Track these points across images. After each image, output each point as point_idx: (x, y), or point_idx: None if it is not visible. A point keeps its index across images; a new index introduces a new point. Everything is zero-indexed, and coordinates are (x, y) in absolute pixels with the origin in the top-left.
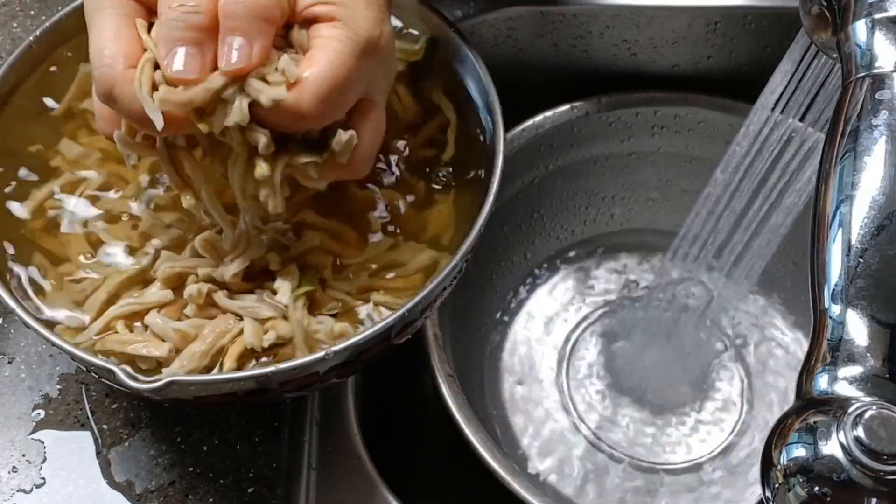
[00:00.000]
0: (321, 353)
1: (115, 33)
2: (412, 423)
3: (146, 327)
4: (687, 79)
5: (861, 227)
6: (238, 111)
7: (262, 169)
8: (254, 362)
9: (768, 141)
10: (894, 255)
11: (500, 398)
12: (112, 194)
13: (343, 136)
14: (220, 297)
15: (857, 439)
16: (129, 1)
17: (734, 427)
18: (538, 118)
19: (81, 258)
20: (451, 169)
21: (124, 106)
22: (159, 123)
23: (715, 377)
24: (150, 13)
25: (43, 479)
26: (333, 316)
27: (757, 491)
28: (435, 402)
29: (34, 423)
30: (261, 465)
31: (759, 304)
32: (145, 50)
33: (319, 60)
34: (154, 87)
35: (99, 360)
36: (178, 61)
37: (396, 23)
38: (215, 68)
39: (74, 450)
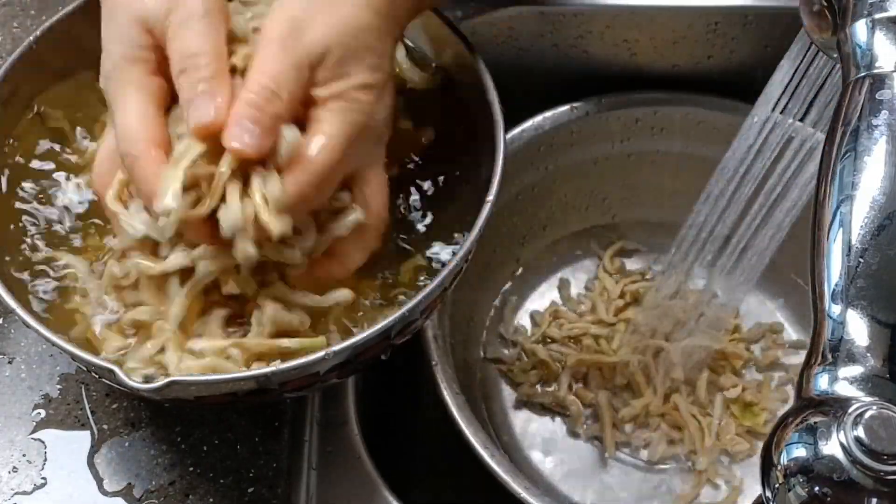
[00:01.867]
0: (321, 353)
1: (141, 115)
2: (412, 423)
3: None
4: (687, 79)
5: (861, 227)
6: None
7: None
8: None
9: (768, 141)
10: (895, 255)
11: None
12: None
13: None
14: None
15: (858, 439)
16: (151, 78)
17: None
18: (538, 118)
19: None
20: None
21: (142, 189)
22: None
23: None
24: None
25: (44, 479)
26: None
27: None
28: (435, 403)
29: (34, 423)
30: (261, 465)
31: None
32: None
33: (319, 140)
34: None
35: (99, 360)
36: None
37: (408, 44)
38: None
39: (75, 449)
